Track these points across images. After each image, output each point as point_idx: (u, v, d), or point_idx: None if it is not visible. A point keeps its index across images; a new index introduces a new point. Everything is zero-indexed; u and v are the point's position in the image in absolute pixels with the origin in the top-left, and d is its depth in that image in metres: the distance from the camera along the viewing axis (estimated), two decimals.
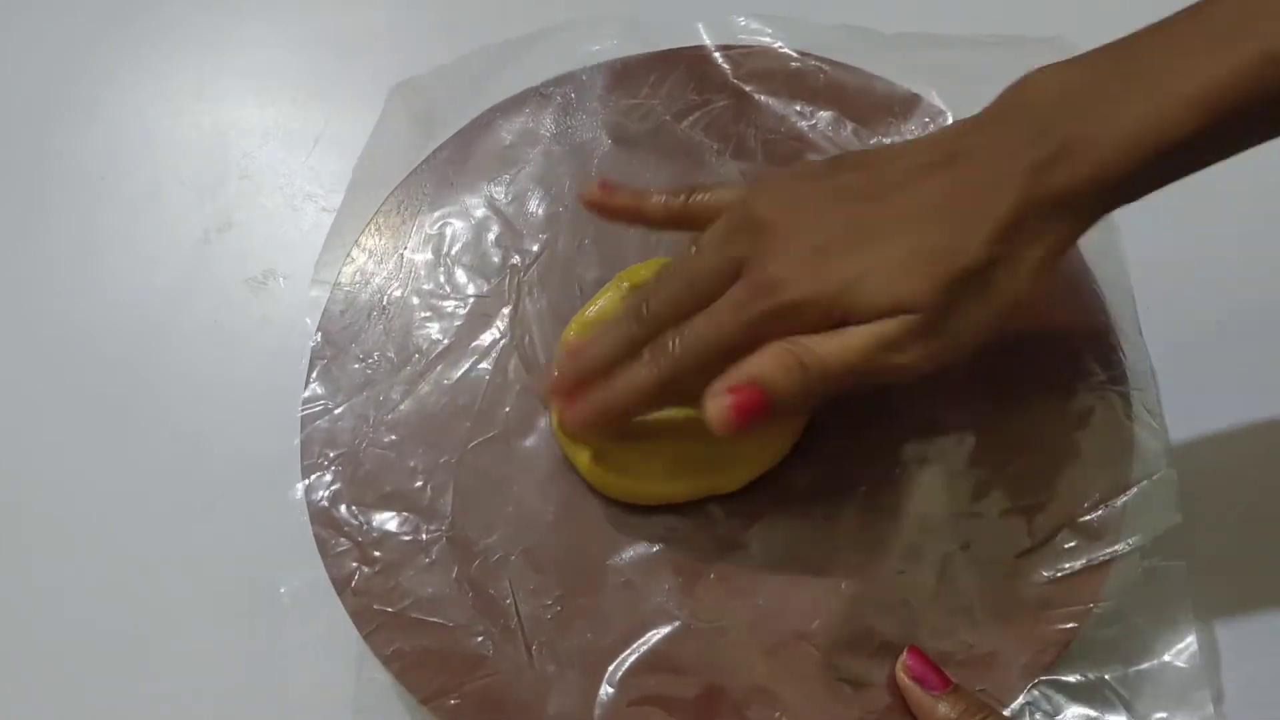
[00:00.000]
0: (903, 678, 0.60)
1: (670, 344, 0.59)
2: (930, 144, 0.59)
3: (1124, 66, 0.55)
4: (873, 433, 0.67)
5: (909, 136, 0.74)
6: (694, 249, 0.61)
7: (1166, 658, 0.62)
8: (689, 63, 0.77)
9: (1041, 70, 0.57)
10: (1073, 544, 0.63)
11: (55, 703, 0.68)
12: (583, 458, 0.66)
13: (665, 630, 0.63)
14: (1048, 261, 0.56)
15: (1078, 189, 0.54)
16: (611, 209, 0.67)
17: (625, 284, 0.70)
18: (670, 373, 0.59)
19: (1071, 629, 0.61)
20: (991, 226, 0.55)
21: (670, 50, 0.78)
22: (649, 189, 0.66)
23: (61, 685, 0.68)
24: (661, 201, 0.65)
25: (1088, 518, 0.64)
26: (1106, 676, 0.62)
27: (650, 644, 0.63)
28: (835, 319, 0.56)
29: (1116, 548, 0.63)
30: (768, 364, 0.56)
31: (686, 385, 0.59)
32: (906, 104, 0.75)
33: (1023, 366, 0.67)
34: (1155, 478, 0.64)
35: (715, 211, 0.62)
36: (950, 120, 0.74)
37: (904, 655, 0.61)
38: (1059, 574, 0.63)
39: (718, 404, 0.55)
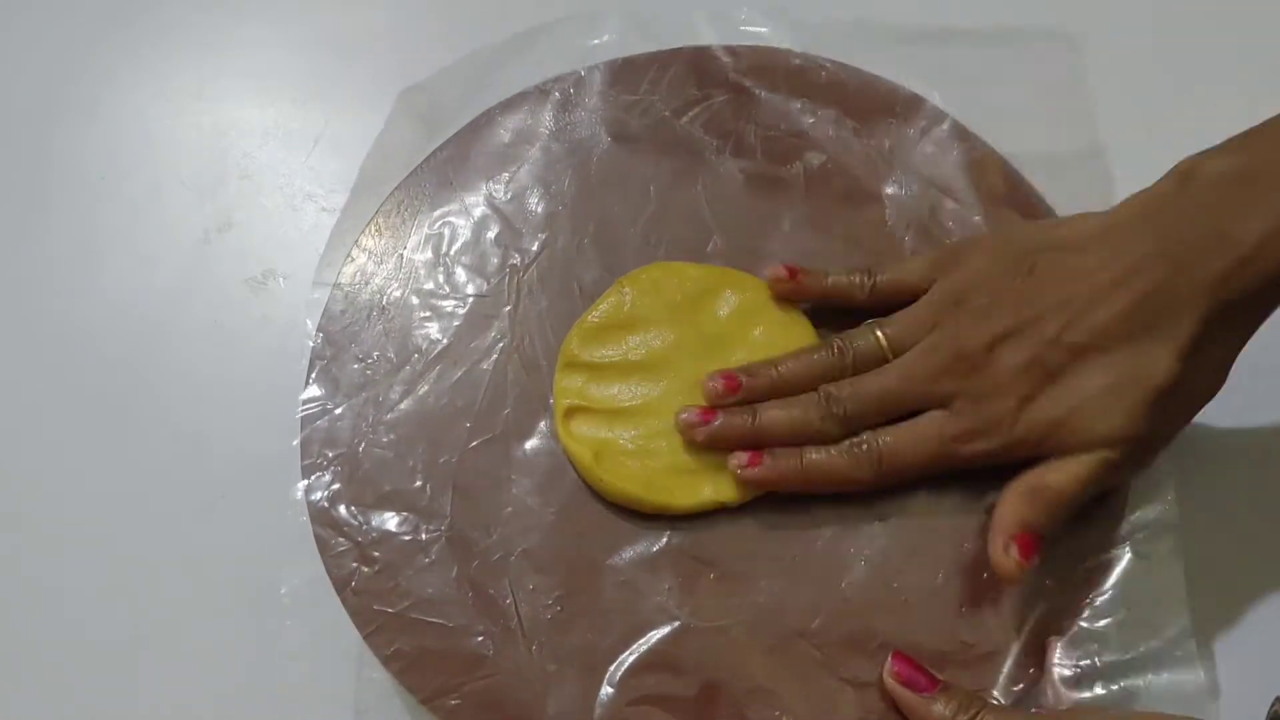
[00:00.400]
0: (891, 683, 0.60)
1: (873, 448, 0.64)
2: (1109, 253, 0.61)
3: None
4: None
5: (910, 137, 0.74)
6: (891, 357, 0.66)
7: (1163, 651, 0.62)
8: (689, 59, 0.77)
9: (1201, 162, 0.60)
10: (1071, 544, 0.63)
11: (55, 702, 0.68)
12: (586, 458, 0.66)
13: (665, 630, 0.63)
14: (1233, 354, 0.61)
15: (1264, 287, 0.58)
16: (801, 293, 0.70)
17: (626, 289, 0.70)
18: (876, 479, 0.64)
19: (1070, 629, 0.61)
20: (1178, 345, 0.59)
21: (673, 52, 0.78)
22: (826, 271, 0.69)
23: (61, 685, 0.68)
24: (844, 287, 0.68)
25: (1086, 517, 0.63)
26: (1100, 666, 0.62)
27: (650, 644, 0.63)
28: (1044, 454, 0.62)
29: (1115, 548, 0.63)
30: (1026, 509, 0.61)
31: (878, 484, 0.65)
32: (908, 104, 0.75)
33: None
34: (1154, 479, 0.64)
35: (901, 290, 0.67)
36: (948, 125, 0.74)
37: (889, 662, 0.61)
38: (1057, 574, 0.63)
39: (1008, 561, 0.59)
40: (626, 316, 0.70)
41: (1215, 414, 0.63)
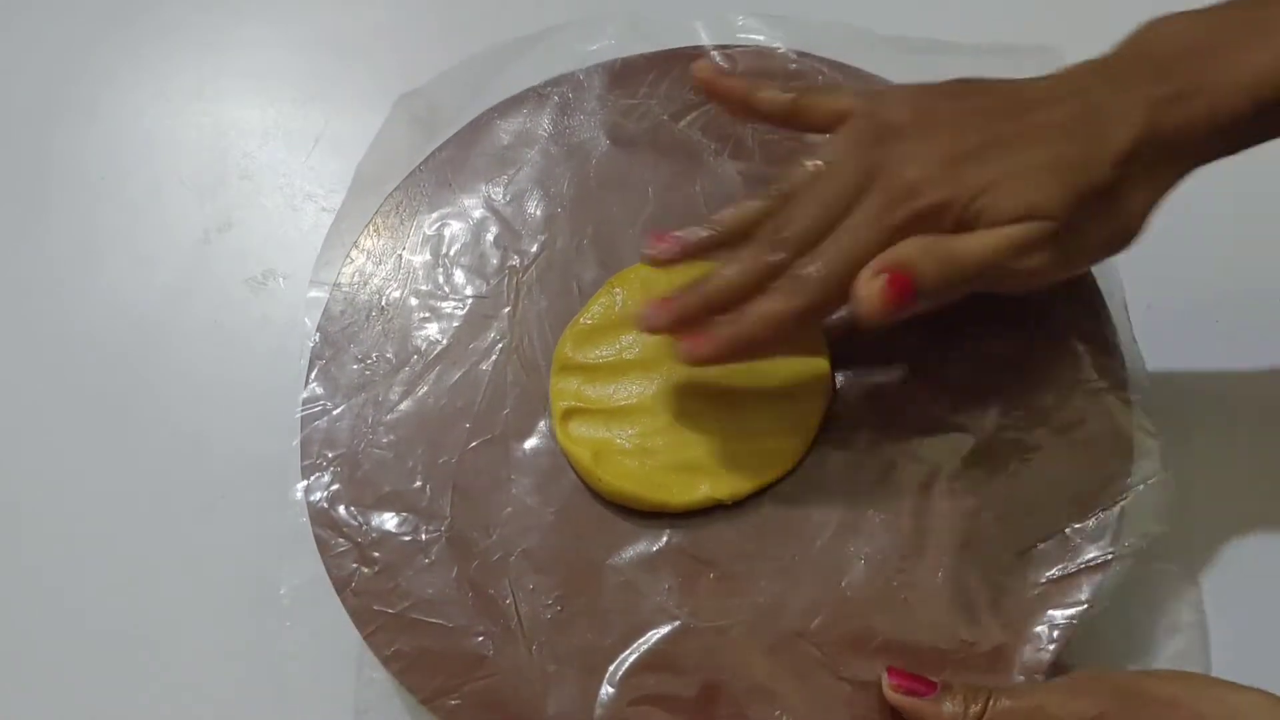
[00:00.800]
0: (895, 697, 0.59)
1: (810, 269, 0.59)
2: (1054, 80, 0.60)
3: (1244, 20, 0.58)
4: (872, 433, 0.66)
5: None
6: (817, 164, 0.61)
7: (1160, 657, 0.63)
8: (687, 63, 0.75)
9: (1164, 19, 0.59)
10: (1071, 544, 0.63)
11: (54, 702, 0.68)
12: (585, 459, 0.65)
13: (665, 630, 0.63)
14: (1154, 199, 0.59)
15: (1193, 128, 0.57)
16: (720, 91, 0.66)
17: (617, 290, 0.70)
18: (815, 298, 0.59)
19: (1069, 628, 0.61)
20: (1116, 149, 0.57)
21: (671, 54, 0.77)
22: (760, 80, 0.65)
23: (61, 684, 0.68)
24: (771, 96, 0.64)
25: (1085, 519, 0.63)
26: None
27: (650, 643, 0.62)
28: (968, 223, 0.58)
29: (1113, 549, 0.62)
30: (914, 252, 0.57)
31: (825, 310, 0.60)
32: None
33: (1021, 369, 0.67)
34: (1151, 481, 0.64)
35: (827, 116, 0.63)
36: None
37: (884, 678, 0.60)
38: (1057, 574, 0.62)
39: (872, 286, 0.56)
40: (619, 317, 0.69)
41: (1213, 419, 0.63)
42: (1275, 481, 0.70)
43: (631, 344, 0.68)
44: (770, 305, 0.59)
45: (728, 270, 0.61)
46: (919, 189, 0.58)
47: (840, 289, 0.58)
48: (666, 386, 0.67)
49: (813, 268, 0.59)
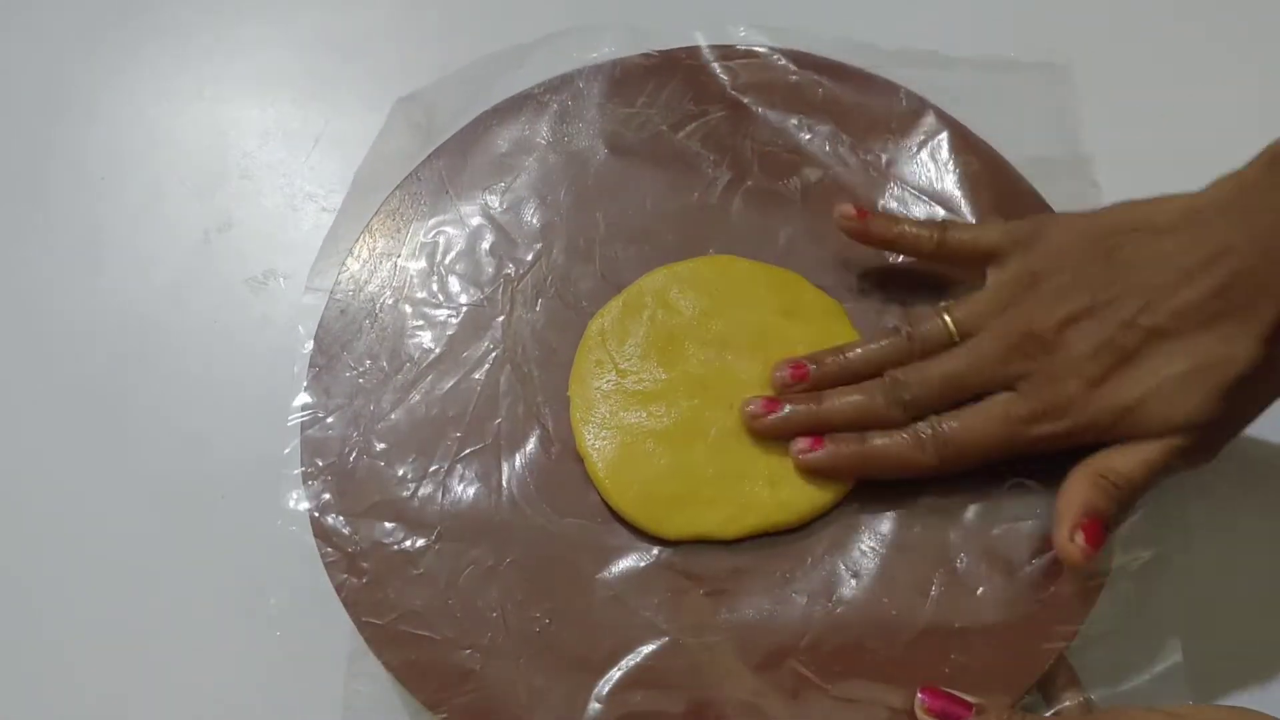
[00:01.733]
0: (928, 718, 0.59)
1: (937, 432, 0.62)
2: (1193, 237, 0.60)
3: None
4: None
5: (907, 151, 0.73)
6: (952, 321, 0.64)
7: (1152, 679, 0.61)
8: (686, 73, 0.76)
9: None
10: (1064, 565, 0.62)
11: (48, 704, 0.67)
12: (596, 470, 0.65)
13: (653, 645, 0.62)
14: None
15: None
16: (867, 236, 0.68)
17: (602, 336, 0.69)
18: (939, 463, 0.62)
19: (1061, 648, 0.60)
20: (1259, 332, 0.57)
21: (668, 56, 0.76)
22: (899, 221, 0.68)
23: (53, 687, 0.68)
24: (915, 233, 0.67)
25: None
26: (1093, 696, 0.61)
27: (638, 659, 0.61)
28: (1114, 438, 0.60)
29: (1107, 570, 0.62)
30: (1092, 495, 0.59)
31: (943, 469, 0.63)
32: (905, 119, 0.74)
33: None
34: (1148, 503, 0.63)
35: (972, 253, 0.65)
36: (945, 138, 0.72)
37: (919, 697, 0.59)
38: (1050, 594, 0.61)
39: (1074, 548, 0.58)
40: (654, 329, 0.69)
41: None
42: (1268, 502, 0.69)
43: (661, 365, 0.68)
44: (896, 448, 0.63)
45: (843, 403, 0.64)
46: (1064, 411, 0.60)
47: (955, 464, 0.62)
48: (693, 412, 0.67)
49: (941, 431, 0.62)
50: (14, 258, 0.79)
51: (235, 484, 0.70)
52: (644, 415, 0.66)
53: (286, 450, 0.66)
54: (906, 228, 0.67)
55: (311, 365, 0.69)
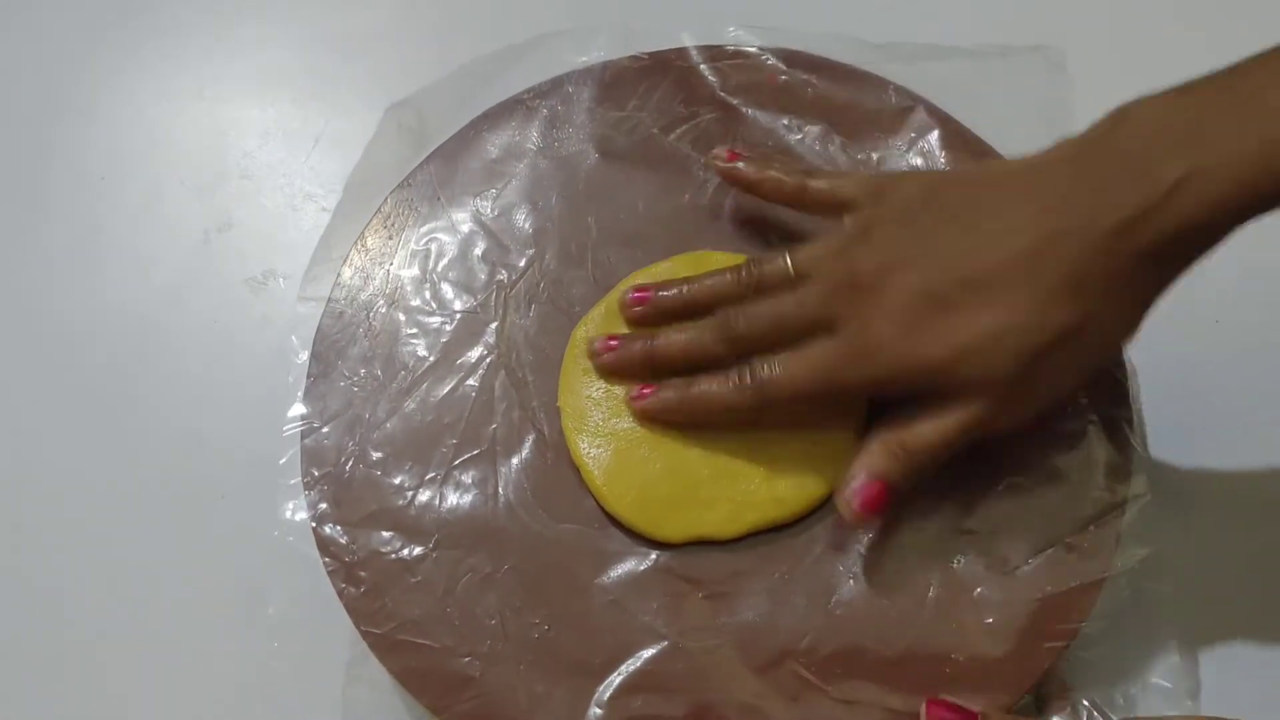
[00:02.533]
0: None
1: (761, 374, 0.62)
2: (1025, 192, 0.59)
3: (1221, 103, 0.54)
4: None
5: (897, 149, 0.72)
6: (792, 266, 0.63)
7: (1151, 679, 0.62)
8: (676, 75, 0.75)
9: (1138, 105, 0.56)
10: (1063, 563, 0.62)
11: (48, 711, 0.67)
12: (592, 476, 0.65)
13: (653, 650, 0.61)
14: (1140, 310, 0.57)
15: (1171, 241, 0.54)
16: (732, 177, 0.69)
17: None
18: (757, 405, 0.62)
19: (1060, 647, 0.60)
20: (1078, 296, 0.56)
21: (658, 58, 0.76)
22: (768, 165, 0.68)
23: (53, 694, 0.67)
24: (776, 180, 0.67)
25: (1078, 537, 0.62)
26: (1086, 702, 0.61)
27: (638, 664, 0.61)
28: (919, 390, 0.60)
29: (1106, 569, 0.61)
30: (879, 460, 0.60)
31: (763, 418, 0.63)
32: (894, 118, 0.73)
33: None
34: (1145, 500, 0.62)
35: (829, 202, 0.65)
36: (936, 136, 0.71)
37: (923, 711, 0.58)
38: (1048, 593, 0.61)
39: (845, 507, 0.60)
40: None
41: (1207, 440, 0.62)
42: (1272, 500, 0.68)
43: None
44: (718, 392, 0.63)
45: (675, 338, 0.65)
46: (876, 354, 0.60)
47: (775, 407, 0.62)
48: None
49: (762, 372, 0.62)
50: (14, 258, 0.79)
51: (235, 485, 0.70)
52: (636, 420, 0.66)
53: (283, 460, 0.66)
54: (771, 172, 0.67)
55: (307, 375, 0.68)
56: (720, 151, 0.69)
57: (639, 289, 0.67)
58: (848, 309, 0.60)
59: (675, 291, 0.66)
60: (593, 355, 0.66)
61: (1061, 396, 0.61)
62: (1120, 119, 0.56)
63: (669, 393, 0.64)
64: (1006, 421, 0.59)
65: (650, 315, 0.66)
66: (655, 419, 0.65)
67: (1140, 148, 0.54)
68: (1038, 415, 0.60)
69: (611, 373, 0.66)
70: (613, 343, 0.66)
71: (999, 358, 0.57)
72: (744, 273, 0.64)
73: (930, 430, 0.59)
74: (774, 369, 0.62)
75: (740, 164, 0.68)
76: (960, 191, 0.61)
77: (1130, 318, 0.57)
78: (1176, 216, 0.53)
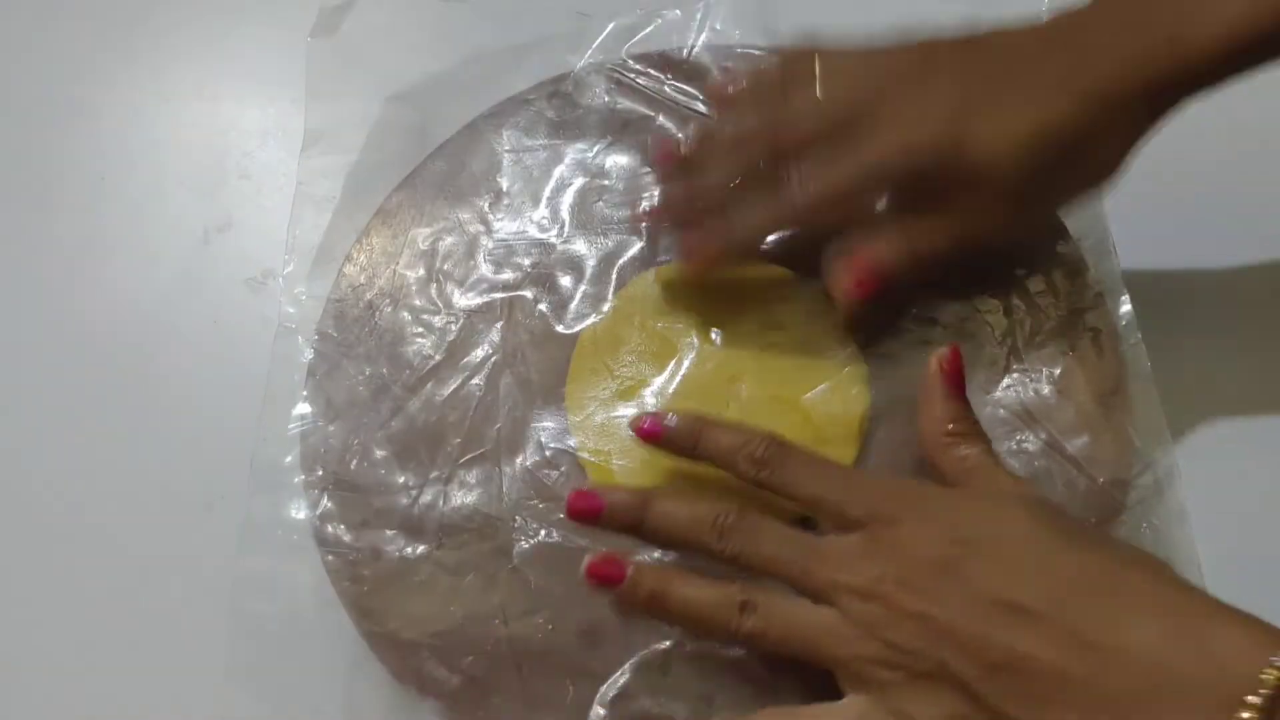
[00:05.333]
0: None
1: (798, 182, 0.62)
2: (1034, 33, 0.62)
3: None
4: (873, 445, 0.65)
5: None
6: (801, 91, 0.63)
7: None
8: (685, 73, 0.75)
9: None
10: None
11: (44, 707, 0.66)
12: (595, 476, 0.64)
13: (657, 649, 0.60)
14: (1130, 143, 0.61)
15: (1164, 82, 0.59)
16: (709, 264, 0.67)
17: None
18: (799, 212, 0.63)
19: None
20: (1082, 103, 0.59)
21: (665, 56, 0.75)
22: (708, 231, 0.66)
23: (49, 694, 0.66)
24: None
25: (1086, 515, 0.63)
26: None
27: (642, 663, 0.60)
28: (947, 176, 0.61)
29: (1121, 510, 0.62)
30: (883, 250, 0.61)
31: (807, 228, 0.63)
32: None
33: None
34: (1154, 505, 0.63)
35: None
36: None
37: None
38: None
39: (842, 285, 0.61)
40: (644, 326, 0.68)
41: (1219, 423, 0.65)
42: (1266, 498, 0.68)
43: (655, 368, 0.67)
44: (759, 210, 0.63)
45: (715, 166, 0.65)
46: (908, 149, 0.61)
47: (827, 211, 0.62)
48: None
49: (800, 182, 0.62)
50: (13, 258, 0.78)
51: (236, 484, 0.68)
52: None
53: (287, 459, 0.66)
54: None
55: (311, 373, 0.68)
56: (642, 207, 0.70)
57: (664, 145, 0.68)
58: (869, 110, 0.62)
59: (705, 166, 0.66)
60: (640, 217, 0.69)
61: (1056, 209, 0.66)
62: None
63: (711, 232, 0.65)
64: (1000, 225, 0.63)
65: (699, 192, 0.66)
66: (709, 263, 0.65)
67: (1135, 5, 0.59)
68: (1026, 227, 0.65)
69: (669, 219, 0.68)
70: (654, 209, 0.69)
71: (1010, 143, 0.59)
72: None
73: (930, 223, 0.62)
74: (810, 176, 0.63)
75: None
76: (961, 65, 0.63)
77: (1122, 145, 0.61)
78: (1175, 62, 0.58)
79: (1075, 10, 0.61)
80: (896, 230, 0.62)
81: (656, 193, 0.69)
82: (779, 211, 0.62)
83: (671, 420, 0.60)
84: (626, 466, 0.64)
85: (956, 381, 0.60)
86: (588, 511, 0.58)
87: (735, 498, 0.58)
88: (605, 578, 0.57)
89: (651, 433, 0.60)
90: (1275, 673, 0.44)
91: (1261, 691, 0.44)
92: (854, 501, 0.55)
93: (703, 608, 0.56)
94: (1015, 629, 0.49)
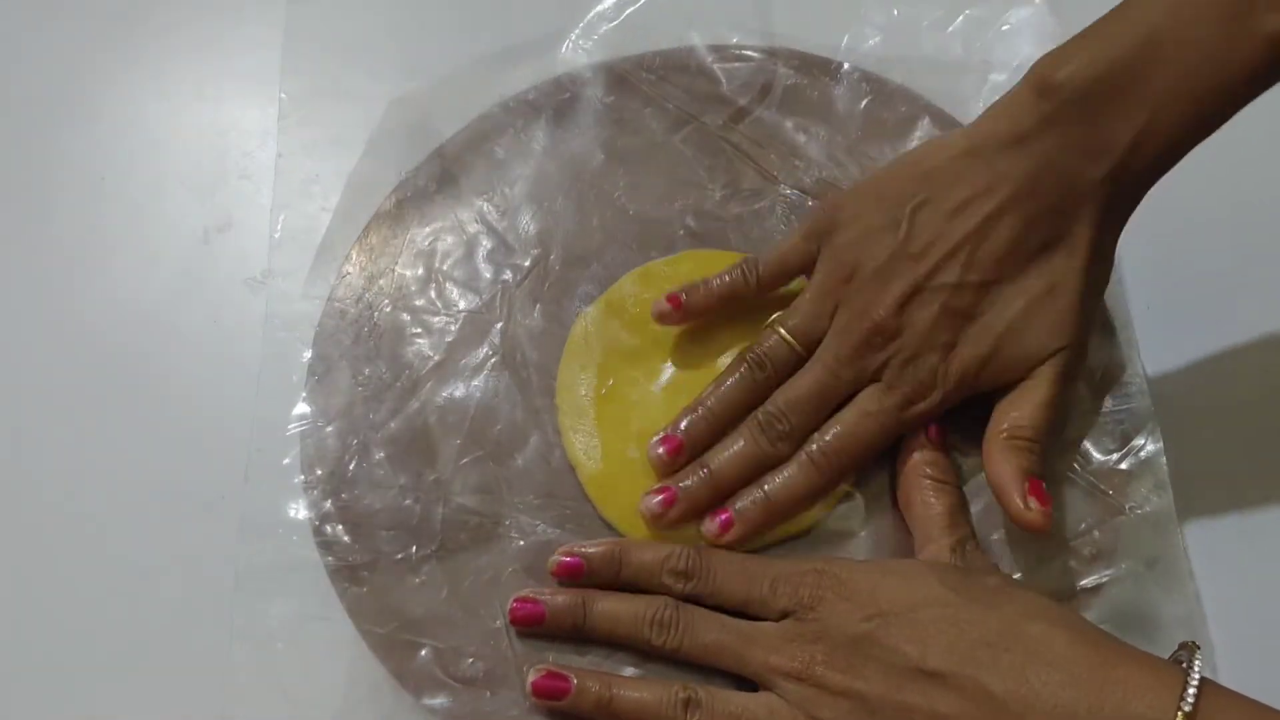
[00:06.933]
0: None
1: (823, 450, 0.62)
2: (986, 183, 0.60)
3: (1123, 34, 0.57)
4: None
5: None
6: (802, 350, 0.63)
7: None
8: (684, 75, 0.74)
9: (1056, 67, 0.58)
10: (1067, 568, 0.62)
11: (44, 706, 0.65)
12: (590, 484, 0.64)
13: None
14: (1118, 233, 0.62)
15: (1136, 184, 0.59)
16: (692, 314, 0.67)
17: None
18: (836, 478, 0.62)
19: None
20: (1079, 251, 0.59)
21: (664, 57, 0.75)
22: (709, 279, 0.66)
23: (49, 688, 0.65)
24: (732, 283, 0.66)
25: (1082, 541, 0.62)
26: None
27: (643, 664, 0.60)
28: (984, 389, 0.62)
29: (1110, 571, 0.61)
30: (1018, 458, 0.59)
31: (843, 476, 0.63)
32: (902, 123, 0.72)
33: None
34: (1148, 507, 0.63)
35: (788, 271, 0.65)
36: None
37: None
38: (1055, 597, 0.59)
39: (1033, 513, 0.58)
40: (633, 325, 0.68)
41: (1214, 439, 0.64)
42: (1264, 500, 0.67)
43: (646, 366, 0.67)
44: (794, 485, 0.62)
45: (730, 457, 0.62)
46: (929, 386, 0.61)
47: (848, 470, 0.63)
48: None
49: (827, 453, 0.62)
50: (13, 258, 0.77)
51: (236, 485, 0.68)
52: (631, 420, 0.65)
53: (286, 460, 0.65)
54: (719, 283, 0.66)
55: (310, 374, 0.67)
56: (660, 306, 0.66)
57: (667, 439, 0.63)
58: (880, 356, 0.61)
59: (700, 422, 0.64)
60: (653, 519, 0.62)
61: (1092, 325, 0.63)
62: (1044, 91, 0.59)
63: (751, 510, 0.62)
64: (1077, 367, 0.62)
65: (685, 452, 0.63)
66: (743, 542, 0.62)
67: (1080, 117, 0.58)
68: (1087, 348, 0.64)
69: (682, 521, 0.62)
70: (665, 495, 0.62)
71: (1041, 329, 0.60)
72: (754, 366, 0.63)
73: (1033, 411, 0.60)
74: (837, 439, 0.62)
75: (687, 303, 0.66)
76: (916, 204, 0.62)
77: (1113, 242, 0.62)
78: (1134, 170, 0.58)
79: (1006, 141, 0.60)
80: (1014, 438, 0.60)
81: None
82: (815, 480, 0.62)
83: (590, 549, 0.61)
84: (617, 469, 0.64)
85: (936, 434, 0.62)
86: (528, 617, 0.60)
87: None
88: (551, 692, 0.58)
89: (572, 569, 0.61)
90: (1183, 716, 0.48)
91: None
92: (778, 594, 0.58)
93: (647, 708, 0.57)
94: (932, 693, 0.52)
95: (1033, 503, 0.57)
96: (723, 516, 0.61)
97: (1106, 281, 0.63)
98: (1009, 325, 0.60)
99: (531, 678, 0.58)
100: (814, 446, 0.62)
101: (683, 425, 0.63)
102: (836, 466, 0.62)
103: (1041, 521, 0.57)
